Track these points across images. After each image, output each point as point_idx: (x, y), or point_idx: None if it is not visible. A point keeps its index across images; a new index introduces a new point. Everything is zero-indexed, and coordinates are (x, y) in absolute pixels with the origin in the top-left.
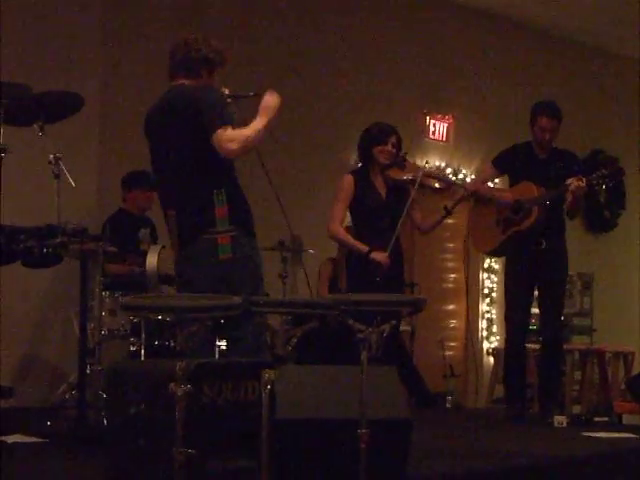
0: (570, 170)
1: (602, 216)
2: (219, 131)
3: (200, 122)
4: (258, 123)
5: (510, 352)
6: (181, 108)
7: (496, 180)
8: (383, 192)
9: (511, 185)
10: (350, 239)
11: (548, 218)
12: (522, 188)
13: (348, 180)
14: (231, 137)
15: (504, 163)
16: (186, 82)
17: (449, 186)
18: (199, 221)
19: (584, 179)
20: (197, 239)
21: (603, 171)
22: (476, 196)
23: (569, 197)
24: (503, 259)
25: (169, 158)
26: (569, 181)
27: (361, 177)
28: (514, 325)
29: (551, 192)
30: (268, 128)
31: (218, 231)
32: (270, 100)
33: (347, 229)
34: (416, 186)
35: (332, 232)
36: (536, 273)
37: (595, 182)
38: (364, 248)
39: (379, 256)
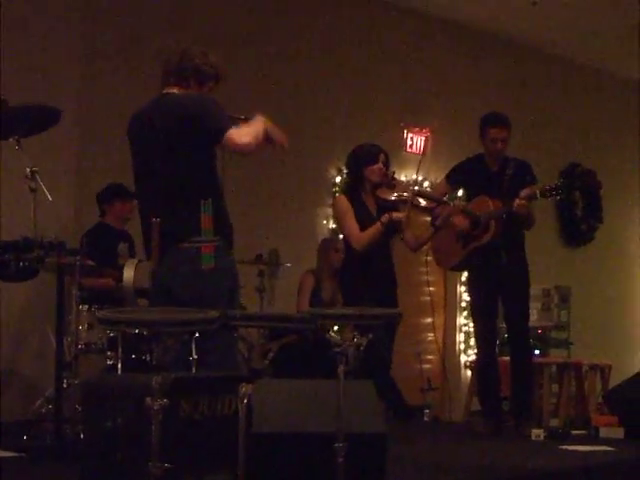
0: (523, 180)
1: (579, 229)
2: (231, 130)
3: (193, 130)
4: (257, 123)
5: (481, 365)
6: (172, 115)
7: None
8: (374, 212)
9: (468, 199)
10: (369, 231)
11: (506, 231)
12: (478, 202)
13: (344, 200)
14: (244, 132)
15: (457, 178)
16: (176, 91)
17: (438, 204)
18: (184, 229)
19: (536, 191)
20: (180, 247)
21: (556, 183)
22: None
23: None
24: None
25: (155, 164)
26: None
27: (353, 197)
28: (483, 339)
29: (504, 207)
30: (266, 133)
31: (202, 240)
32: (259, 119)
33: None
34: (408, 207)
35: (360, 243)
36: (499, 286)
37: (548, 194)
38: (378, 225)
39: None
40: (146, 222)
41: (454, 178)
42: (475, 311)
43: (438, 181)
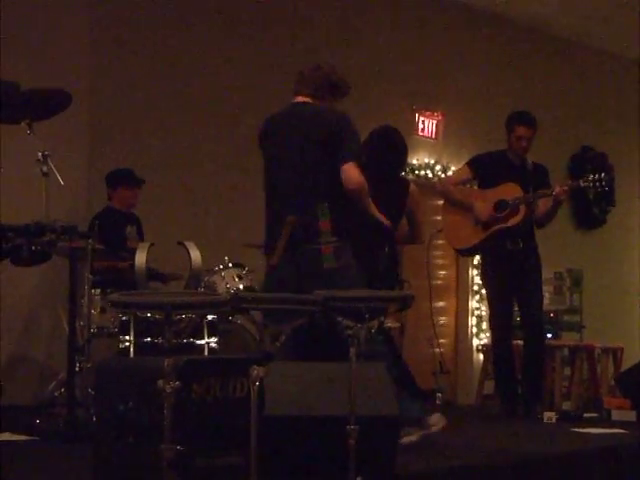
0: (542, 182)
1: (591, 213)
2: (351, 164)
3: (332, 143)
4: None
5: (497, 348)
6: (314, 125)
7: None
8: None
9: (482, 187)
10: None
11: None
12: (506, 188)
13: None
14: (360, 180)
15: (480, 166)
16: (310, 101)
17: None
18: (309, 230)
19: (580, 181)
20: (304, 248)
21: (598, 175)
22: (445, 197)
23: (545, 204)
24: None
25: (294, 165)
26: (555, 187)
27: None
28: (499, 322)
29: (538, 193)
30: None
31: (322, 242)
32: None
33: None
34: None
35: None
36: (514, 272)
37: (592, 185)
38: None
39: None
40: (276, 217)
41: (477, 165)
42: (491, 294)
43: (450, 165)
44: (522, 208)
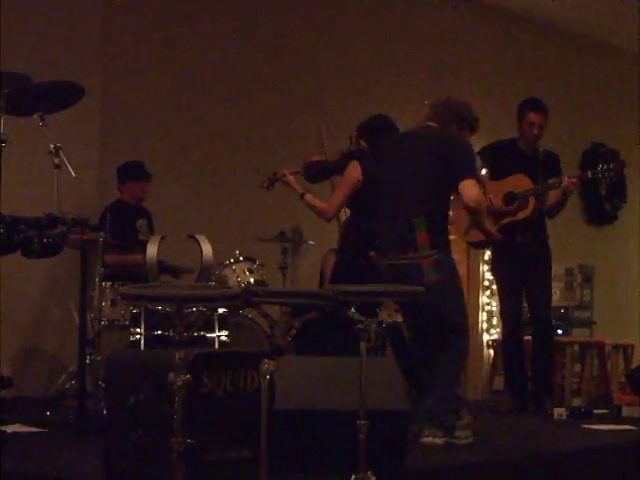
0: (552, 169)
1: (603, 209)
2: (470, 181)
3: (445, 162)
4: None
5: (507, 343)
6: (434, 145)
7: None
8: None
9: (492, 179)
10: None
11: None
12: (515, 180)
13: None
14: (479, 198)
15: (489, 155)
16: (437, 126)
17: None
18: (408, 242)
19: (588, 172)
20: (403, 262)
21: (607, 165)
22: None
23: (556, 194)
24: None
25: (411, 176)
26: (563, 178)
27: None
28: (509, 316)
29: (547, 184)
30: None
31: (421, 256)
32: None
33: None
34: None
35: None
36: (524, 266)
37: (600, 175)
38: None
39: None
40: (387, 220)
41: (487, 155)
42: (502, 289)
43: None
44: (531, 200)
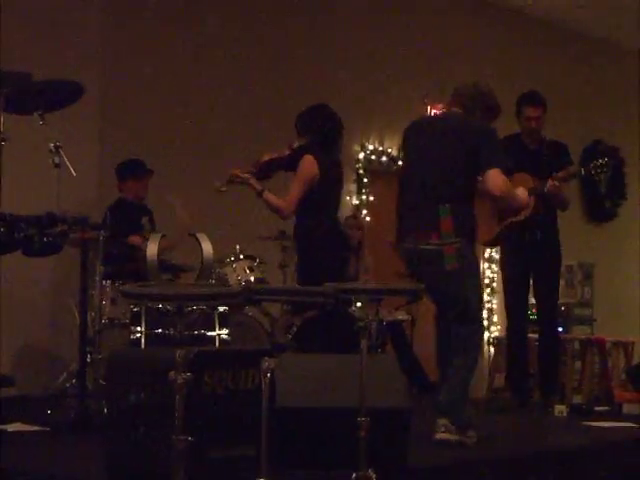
0: (560, 161)
1: (603, 206)
2: (497, 170)
3: (474, 151)
4: (521, 196)
5: (513, 341)
6: (462, 133)
7: None
8: None
9: None
10: None
11: (544, 209)
12: (517, 179)
13: None
14: (506, 185)
15: None
16: (461, 112)
17: None
18: (430, 228)
19: (579, 170)
20: (425, 248)
21: (600, 161)
22: None
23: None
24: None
25: (435, 163)
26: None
27: None
28: (514, 313)
29: (542, 183)
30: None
31: (444, 243)
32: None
33: None
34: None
35: None
36: (531, 263)
37: (593, 172)
38: None
39: None
40: (409, 207)
41: None
42: (508, 285)
43: None
44: (531, 200)
